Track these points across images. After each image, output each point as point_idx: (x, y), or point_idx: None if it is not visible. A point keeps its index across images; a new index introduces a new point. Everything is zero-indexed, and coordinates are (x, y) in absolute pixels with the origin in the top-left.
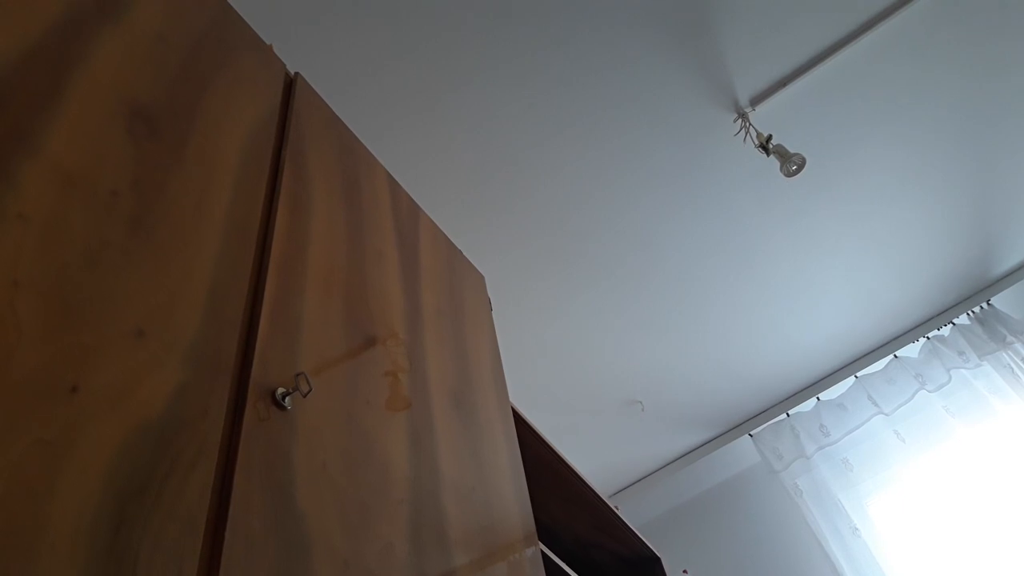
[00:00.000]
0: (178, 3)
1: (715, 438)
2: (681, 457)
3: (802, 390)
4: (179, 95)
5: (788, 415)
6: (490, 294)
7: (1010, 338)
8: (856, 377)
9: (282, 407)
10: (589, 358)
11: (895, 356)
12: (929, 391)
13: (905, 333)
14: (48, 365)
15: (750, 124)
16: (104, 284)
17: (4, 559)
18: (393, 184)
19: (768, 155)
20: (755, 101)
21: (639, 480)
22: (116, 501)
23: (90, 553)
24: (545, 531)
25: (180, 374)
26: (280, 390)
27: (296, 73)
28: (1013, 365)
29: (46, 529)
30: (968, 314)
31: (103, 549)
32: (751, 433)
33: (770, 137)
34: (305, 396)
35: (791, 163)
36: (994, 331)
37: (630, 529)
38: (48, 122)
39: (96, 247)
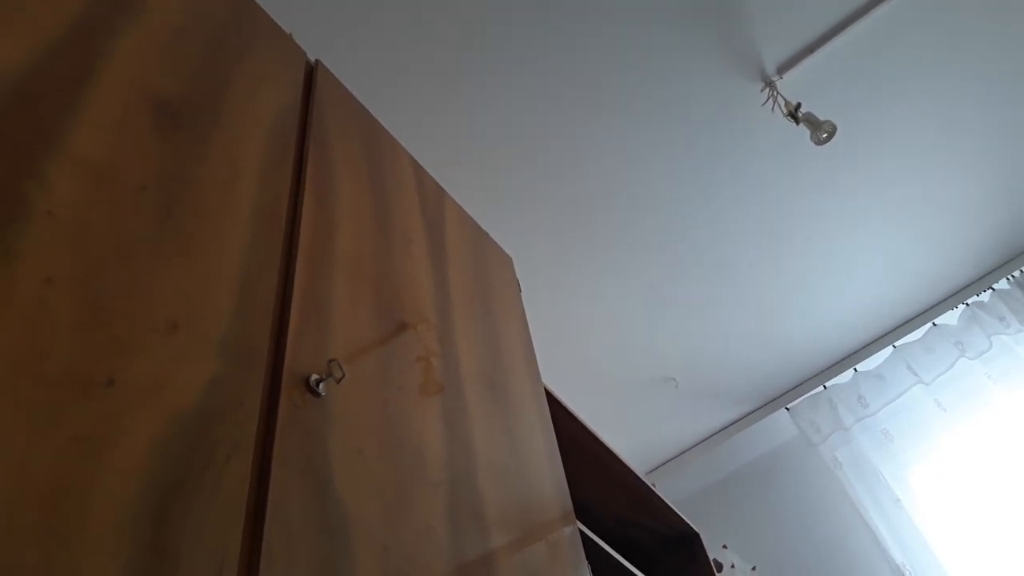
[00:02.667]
0: None
1: (751, 413)
2: (717, 433)
3: (839, 362)
4: (202, 88)
5: (825, 387)
6: (520, 276)
7: None
8: (894, 347)
9: (316, 394)
10: (621, 336)
11: (934, 324)
12: (970, 358)
13: (944, 300)
14: (83, 360)
15: (778, 93)
16: (135, 278)
17: (49, 554)
18: (418, 168)
19: (798, 124)
20: (782, 69)
21: (675, 457)
22: (156, 493)
23: (133, 546)
24: (583, 511)
25: (214, 365)
26: (314, 377)
27: (317, 60)
28: None
29: (88, 523)
30: (1008, 279)
31: (145, 542)
32: (788, 407)
33: (799, 105)
34: (339, 382)
35: (821, 131)
36: None
37: (668, 506)
38: (74, 119)
39: (126, 242)
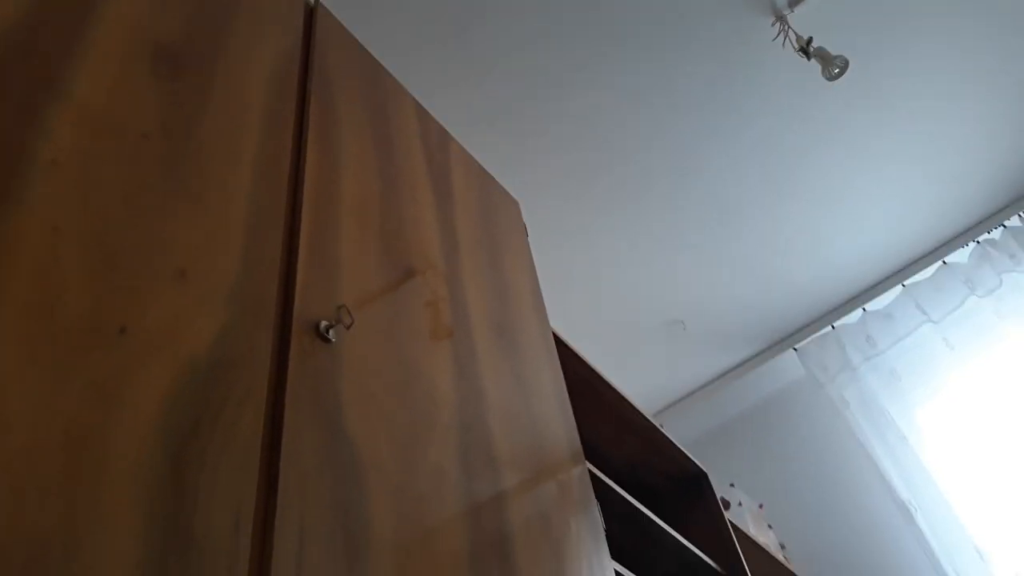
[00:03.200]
0: None
1: (759, 354)
2: (725, 374)
3: (847, 301)
4: (200, 32)
5: (833, 327)
6: (527, 221)
7: None
8: (903, 286)
9: (326, 340)
10: (628, 279)
11: (944, 262)
12: (979, 296)
13: (954, 238)
14: (95, 308)
15: (789, 27)
16: (142, 227)
17: (72, 498)
18: (422, 112)
19: (809, 59)
20: (793, 2)
21: (683, 398)
22: (172, 439)
23: (151, 490)
24: (592, 452)
25: (224, 313)
26: (323, 323)
27: (316, 1)
28: None
29: (107, 468)
30: (1020, 215)
31: (163, 486)
32: (796, 347)
33: (810, 40)
34: (348, 328)
35: (833, 66)
36: None
37: (676, 447)
38: (73, 67)
39: (131, 190)
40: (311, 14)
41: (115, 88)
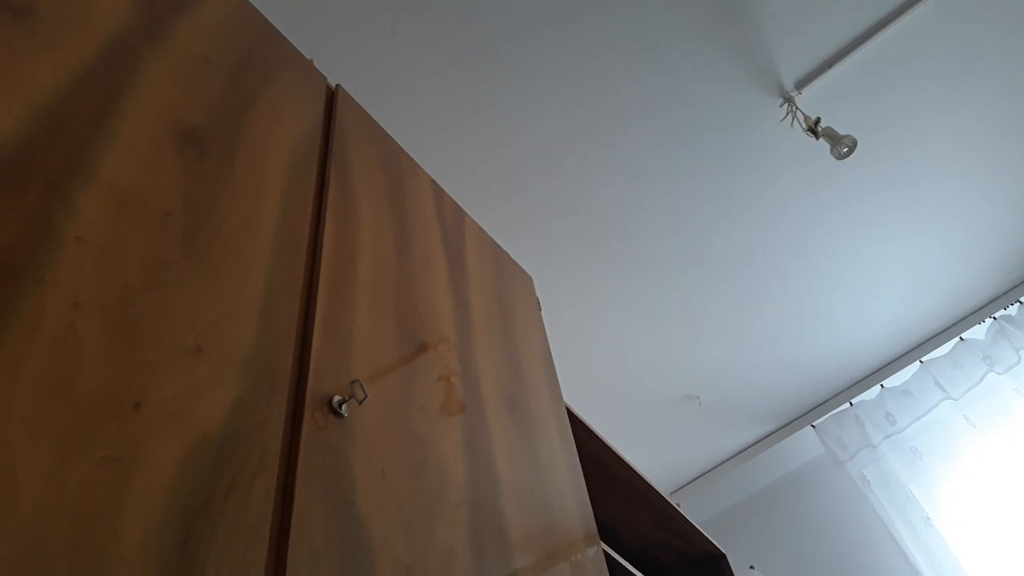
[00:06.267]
0: (220, 25)
1: (776, 431)
2: (742, 451)
3: (865, 378)
4: (225, 114)
5: (851, 404)
6: (540, 293)
7: None
8: (921, 362)
9: (339, 415)
10: (643, 355)
11: (961, 339)
12: (998, 373)
13: (971, 314)
14: (111, 383)
15: (797, 108)
16: (161, 302)
17: (78, 573)
18: (437, 190)
19: (817, 139)
20: (801, 84)
21: (700, 476)
22: (182, 515)
23: (158, 567)
24: (607, 531)
25: (238, 387)
26: (336, 398)
27: (337, 85)
28: None
29: (115, 544)
30: None
31: (171, 563)
32: (814, 424)
33: (818, 120)
34: (361, 403)
35: (841, 145)
36: None
37: (693, 526)
38: (101, 147)
39: (152, 267)
40: (332, 97)
41: (141, 168)
